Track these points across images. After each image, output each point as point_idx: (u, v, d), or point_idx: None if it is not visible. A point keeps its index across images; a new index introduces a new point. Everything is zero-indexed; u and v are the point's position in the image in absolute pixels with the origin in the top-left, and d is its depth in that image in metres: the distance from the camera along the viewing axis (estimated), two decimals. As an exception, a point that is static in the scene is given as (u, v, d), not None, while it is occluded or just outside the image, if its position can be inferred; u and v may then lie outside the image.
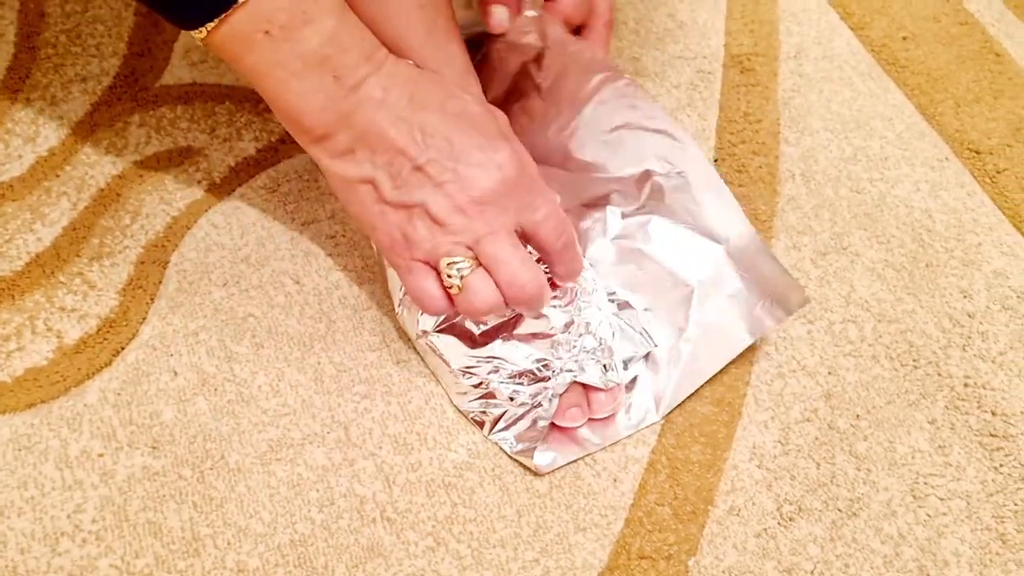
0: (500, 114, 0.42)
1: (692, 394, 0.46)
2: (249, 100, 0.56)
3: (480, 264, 0.39)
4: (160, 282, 0.48)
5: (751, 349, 0.48)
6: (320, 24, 0.37)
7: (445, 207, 0.38)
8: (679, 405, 0.45)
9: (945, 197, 0.56)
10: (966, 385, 0.48)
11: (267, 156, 0.54)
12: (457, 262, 0.39)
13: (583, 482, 0.43)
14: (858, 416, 0.46)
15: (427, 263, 0.40)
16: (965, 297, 0.51)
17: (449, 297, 0.40)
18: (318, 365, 0.45)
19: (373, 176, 0.39)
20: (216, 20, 0.36)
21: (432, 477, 0.42)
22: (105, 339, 0.45)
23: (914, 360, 0.48)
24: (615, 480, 0.43)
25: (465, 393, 0.43)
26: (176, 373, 0.45)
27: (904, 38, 0.66)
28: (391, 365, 0.46)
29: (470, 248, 0.39)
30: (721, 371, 0.46)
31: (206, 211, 0.51)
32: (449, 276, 0.39)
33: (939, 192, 0.56)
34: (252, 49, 0.37)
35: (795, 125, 0.59)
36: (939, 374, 0.48)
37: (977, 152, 0.59)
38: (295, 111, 0.38)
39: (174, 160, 0.53)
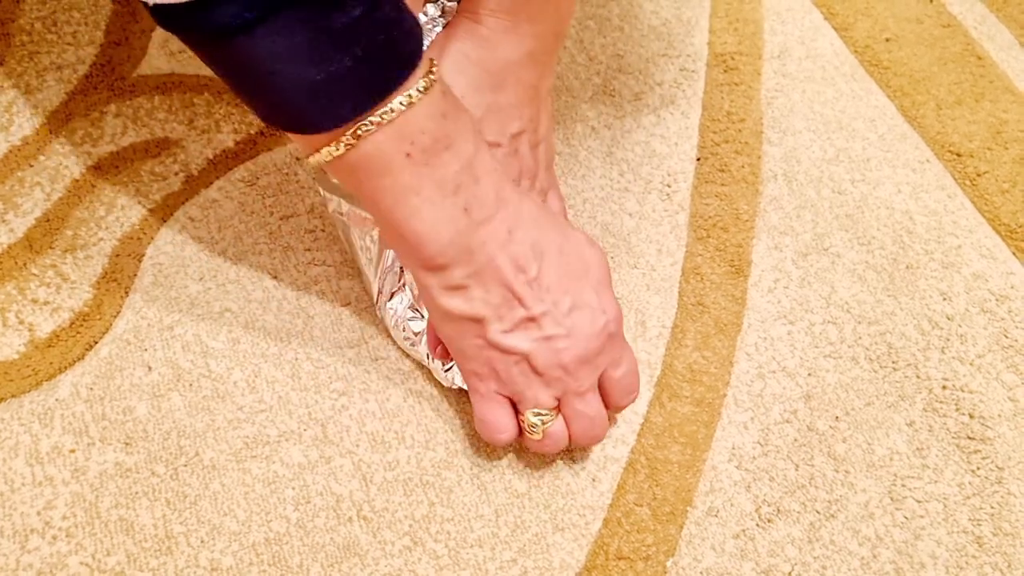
0: (602, 254, 0.41)
1: (673, 393, 0.46)
2: (228, 91, 0.55)
3: (559, 411, 0.40)
4: (135, 275, 0.47)
5: (730, 350, 0.48)
6: (459, 149, 0.34)
7: (549, 362, 0.38)
8: (660, 403, 0.45)
9: (926, 199, 0.56)
10: (944, 387, 0.48)
11: (246, 149, 0.53)
12: (543, 414, 0.39)
13: (562, 481, 0.43)
14: (837, 418, 0.46)
15: (508, 398, 0.40)
16: (944, 299, 0.51)
17: (519, 431, 0.40)
18: (295, 361, 0.45)
19: (483, 316, 0.37)
20: (355, 138, 0.32)
21: (410, 476, 0.42)
22: (78, 333, 0.45)
23: (893, 362, 0.49)
24: (594, 480, 0.43)
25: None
26: (150, 368, 0.44)
27: (887, 39, 0.66)
28: (369, 362, 0.45)
29: (557, 399, 0.39)
30: (702, 371, 0.46)
31: (183, 204, 0.50)
32: (532, 425, 0.39)
33: (920, 194, 0.56)
34: (390, 171, 0.33)
35: (778, 125, 0.59)
36: (918, 376, 0.48)
37: (958, 155, 0.59)
38: (419, 239, 0.35)
39: (151, 151, 0.52)
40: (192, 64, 0.56)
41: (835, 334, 0.49)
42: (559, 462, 0.43)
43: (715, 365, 0.47)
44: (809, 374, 0.48)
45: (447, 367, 0.42)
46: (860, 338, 0.49)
